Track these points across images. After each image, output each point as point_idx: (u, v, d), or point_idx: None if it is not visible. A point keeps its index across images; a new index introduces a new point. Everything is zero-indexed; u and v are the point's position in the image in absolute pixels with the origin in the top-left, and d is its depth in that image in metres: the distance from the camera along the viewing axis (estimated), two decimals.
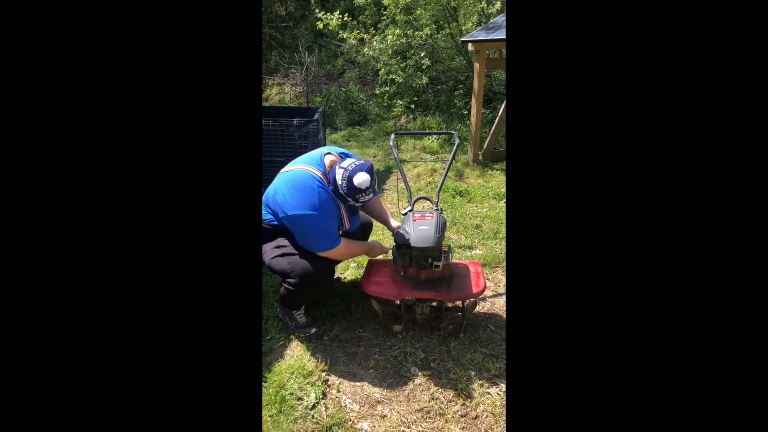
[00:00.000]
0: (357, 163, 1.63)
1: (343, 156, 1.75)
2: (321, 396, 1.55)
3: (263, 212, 1.76)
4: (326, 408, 1.51)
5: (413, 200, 1.96)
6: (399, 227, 1.81)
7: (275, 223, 1.73)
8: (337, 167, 1.65)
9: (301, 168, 1.71)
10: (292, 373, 1.63)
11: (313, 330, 1.87)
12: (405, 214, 1.87)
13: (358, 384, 1.62)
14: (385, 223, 2.01)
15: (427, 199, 2.08)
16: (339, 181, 1.62)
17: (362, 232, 2.06)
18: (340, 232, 1.79)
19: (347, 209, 1.79)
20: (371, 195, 1.65)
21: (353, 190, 1.60)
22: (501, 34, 3.49)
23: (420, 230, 1.70)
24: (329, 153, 1.76)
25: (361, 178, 1.59)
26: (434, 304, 1.83)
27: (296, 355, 1.74)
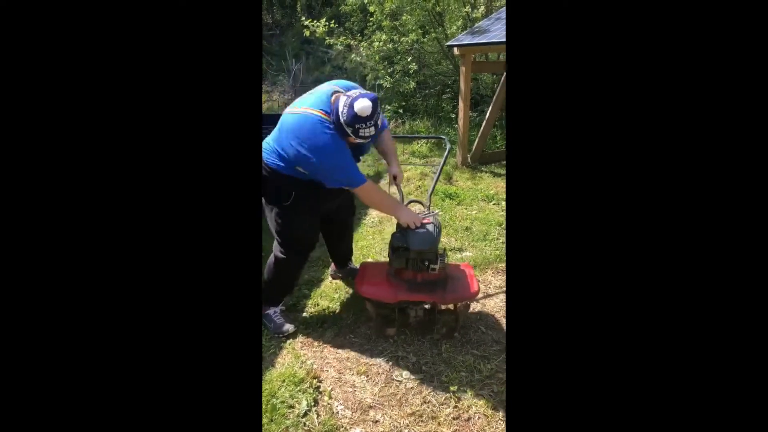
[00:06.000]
0: (362, 92, 1.54)
1: (350, 89, 1.67)
2: (312, 403, 1.54)
3: (270, 155, 1.69)
4: (318, 415, 1.50)
5: (405, 204, 1.96)
6: (395, 232, 1.81)
7: (280, 165, 1.67)
8: (341, 96, 1.56)
9: (303, 111, 1.61)
10: (283, 381, 1.62)
11: (291, 329, 1.87)
12: None
13: (350, 390, 1.61)
14: (387, 159, 1.93)
15: (419, 202, 2.09)
16: (341, 108, 1.52)
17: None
18: None
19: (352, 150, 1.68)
20: (372, 129, 1.53)
21: (353, 118, 1.49)
22: (486, 38, 3.53)
23: (417, 233, 1.70)
24: (337, 91, 1.64)
25: (362, 104, 1.47)
26: (427, 306, 1.83)
27: (287, 362, 1.73)
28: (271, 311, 1.91)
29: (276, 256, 1.83)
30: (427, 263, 1.72)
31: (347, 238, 2.20)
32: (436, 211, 1.90)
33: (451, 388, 1.58)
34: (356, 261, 2.44)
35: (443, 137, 2.22)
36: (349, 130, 1.53)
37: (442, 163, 2.04)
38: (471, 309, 2.02)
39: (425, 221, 1.74)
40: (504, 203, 3.21)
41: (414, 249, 1.68)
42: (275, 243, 1.83)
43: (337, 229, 2.08)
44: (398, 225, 1.82)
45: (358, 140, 1.57)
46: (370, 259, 2.47)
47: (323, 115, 1.58)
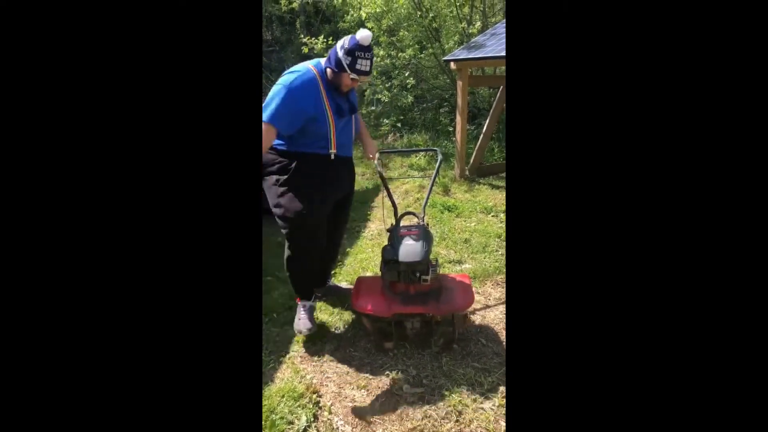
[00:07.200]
0: None
1: None
2: (312, 419, 1.52)
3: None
4: (318, 431, 1.48)
5: (399, 216, 1.97)
6: (386, 245, 1.81)
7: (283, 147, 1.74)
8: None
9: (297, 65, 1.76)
10: (283, 396, 1.60)
11: (305, 330, 1.87)
12: (390, 230, 1.88)
13: (350, 404, 1.59)
14: (364, 138, 2.03)
15: (413, 214, 2.10)
16: (341, 43, 1.63)
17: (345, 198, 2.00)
18: (332, 154, 1.76)
19: (332, 102, 1.72)
20: (367, 63, 1.63)
21: (354, 45, 1.60)
22: (482, 53, 3.58)
23: (407, 245, 1.71)
24: None
25: (364, 33, 1.60)
26: (426, 319, 1.83)
27: (286, 377, 1.71)
28: (300, 305, 1.94)
29: (286, 243, 1.82)
30: (418, 275, 1.72)
31: (335, 248, 2.16)
32: (425, 223, 1.91)
33: (452, 402, 1.56)
34: (355, 274, 2.43)
35: (435, 149, 2.25)
36: (347, 61, 1.61)
37: (434, 175, 2.06)
38: (471, 321, 2.01)
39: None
40: (502, 215, 3.22)
41: (404, 261, 1.68)
42: (284, 233, 1.82)
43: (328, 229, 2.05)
44: (390, 238, 1.82)
45: (353, 75, 1.64)
46: (368, 273, 2.47)
47: (312, 67, 1.70)
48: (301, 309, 1.93)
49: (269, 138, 1.66)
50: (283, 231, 1.81)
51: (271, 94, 1.66)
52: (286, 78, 1.67)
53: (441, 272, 1.97)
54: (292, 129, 1.68)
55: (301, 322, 1.90)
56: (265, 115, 1.62)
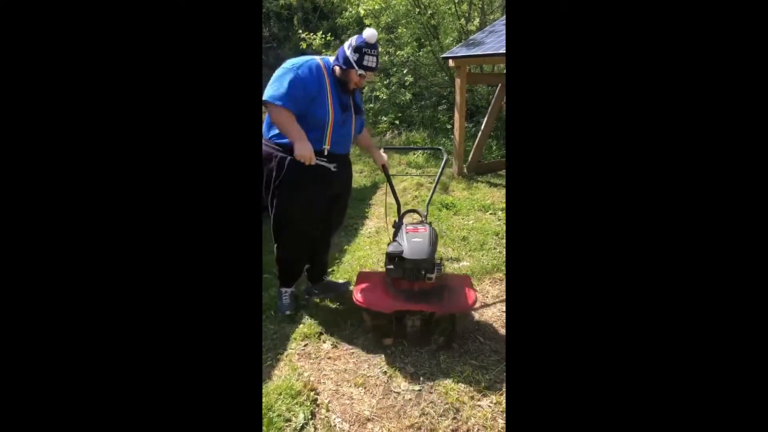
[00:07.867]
0: None
1: None
2: (310, 416, 1.52)
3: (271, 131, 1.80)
4: (315, 429, 1.48)
5: (402, 213, 1.97)
6: (392, 241, 1.81)
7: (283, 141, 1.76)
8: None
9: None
10: (280, 393, 1.60)
11: (287, 312, 1.98)
12: (395, 226, 1.88)
13: (348, 402, 1.59)
14: (371, 152, 2.11)
15: (416, 212, 2.10)
16: (348, 42, 1.72)
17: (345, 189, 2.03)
18: (326, 150, 1.78)
19: (335, 98, 1.77)
20: (374, 60, 1.70)
21: (361, 43, 1.68)
22: (481, 50, 3.58)
23: (414, 242, 1.71)
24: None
25: (370, 32, 1.68)
26: (426, 317, 1.83)
27: (284, 375, 1.71)
28: (282, 291, 2.05)
29: (274, 236, 1.88)
30: (423, 272, 1.71)
31: (324, 246, 2.15)
32: (430, 222, 1.92)
33: (450, 400, 1.56)
34: (353, 271, 2.43)
35: (440, 148, 2.25)
36: (355, 57, 1.69)
37: (438, 174, 2.06)
38: (470, 318, 2.01)
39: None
40: (500, 213, 3.22)
41: (410, 258, 1.68)
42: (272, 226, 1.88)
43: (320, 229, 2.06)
44: (395, 234, 1.82)
45: (360, 71, 1.71)
46: (366, 269, 2.46)
47: (315, 58, 1.78)
48: (284, 294, 2.06)
49: (287, 117, 1.67)
50: (272, 224, 1.87)
51: (276, 75, 1.70)
52: (291, 61, 1.73)
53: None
54: (296, 110, 1.70)
55: (285, 305, 2.04)
56: (276, 96, 1.66)
